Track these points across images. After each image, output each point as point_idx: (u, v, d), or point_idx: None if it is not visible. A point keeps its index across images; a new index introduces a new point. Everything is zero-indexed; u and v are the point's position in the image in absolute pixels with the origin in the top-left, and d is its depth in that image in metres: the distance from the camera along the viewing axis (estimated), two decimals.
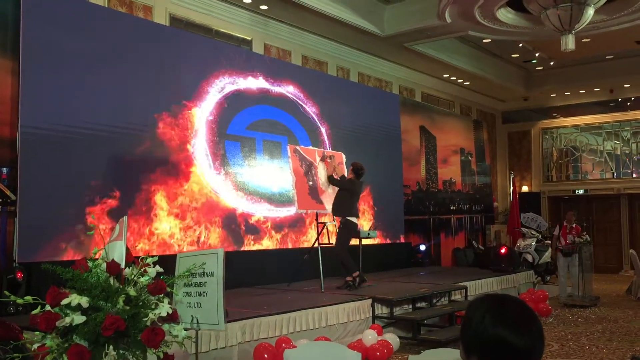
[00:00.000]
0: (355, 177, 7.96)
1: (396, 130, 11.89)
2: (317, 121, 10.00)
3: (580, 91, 15.42)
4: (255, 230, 8.71)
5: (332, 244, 8.12)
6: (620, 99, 15.51)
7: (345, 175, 8.16)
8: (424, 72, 13.10)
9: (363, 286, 7.74)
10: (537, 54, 13.33)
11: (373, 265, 9.81)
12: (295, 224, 9.36)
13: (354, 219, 7.86)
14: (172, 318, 2.98)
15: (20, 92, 6.23)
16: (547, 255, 12.23)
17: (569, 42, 9.05)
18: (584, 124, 16.45)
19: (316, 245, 7.91)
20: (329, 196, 8.10)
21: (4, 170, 6.17)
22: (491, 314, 1.51)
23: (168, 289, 3.07)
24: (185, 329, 3.11)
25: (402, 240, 11.71)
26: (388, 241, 11.25)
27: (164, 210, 7.51)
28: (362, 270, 8.09)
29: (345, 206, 7.82)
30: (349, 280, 7.68)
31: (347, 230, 7.83)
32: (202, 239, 7.94)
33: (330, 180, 8.01)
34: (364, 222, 10.48)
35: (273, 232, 8.98)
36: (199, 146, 8.05)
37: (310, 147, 8.89)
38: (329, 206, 8.07)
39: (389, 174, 11.45)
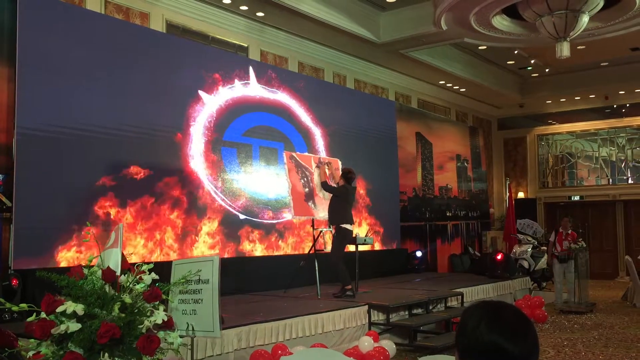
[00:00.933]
0: (346, 183, 7.92)
1: (392, 136, 11.92)
2: (314, 127, 10.01)
3: (576, 98, 15.48)
4: (252, 236, 8.70)
5: (327, 251, 8.11)
6: (615, 106, 15.56)
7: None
8: (420, 78, 13.14)
9: (348, 294, 7.66)
10: (532, 61, 13.38)
11: (369, 272, 9.80)
12: (293, 230, 9.35)
13: (348, 226, 7.80)
14: (168, 325, 2.97)
15: (16, 99, 6.22)
16: (543, 262, 12.23)
17: (564, 49, 9.10)
18: (580, 130, 16.50)
19: (312, 252, 7.90)
20: (324, 202, 8.09)
21: (0, 176, 6.16)
22: (486, 321, 1.50)
23: (163, 296, 3.07)
24: (181, 336, 3.11)
25: (399, 246, 11.71)
26: (384, 247, 11.25)
27: (159, 217, 7.50)
28: (359, 276, 8.06)
29: (338, 214, 7.77)
30: (347, 289, 7.63)
31: (341, 238, 7.77)
32: (198, 245, 7.93)
33: (323, 186, 7.98)
34: (363, 228, 10.48)
35: (269, 239, 8.97)
36: (195, 152, 8.05)
37: (306, 154, 8.90)
38: (323, 213, 8.07)
39: (385, 180, 11.45)
